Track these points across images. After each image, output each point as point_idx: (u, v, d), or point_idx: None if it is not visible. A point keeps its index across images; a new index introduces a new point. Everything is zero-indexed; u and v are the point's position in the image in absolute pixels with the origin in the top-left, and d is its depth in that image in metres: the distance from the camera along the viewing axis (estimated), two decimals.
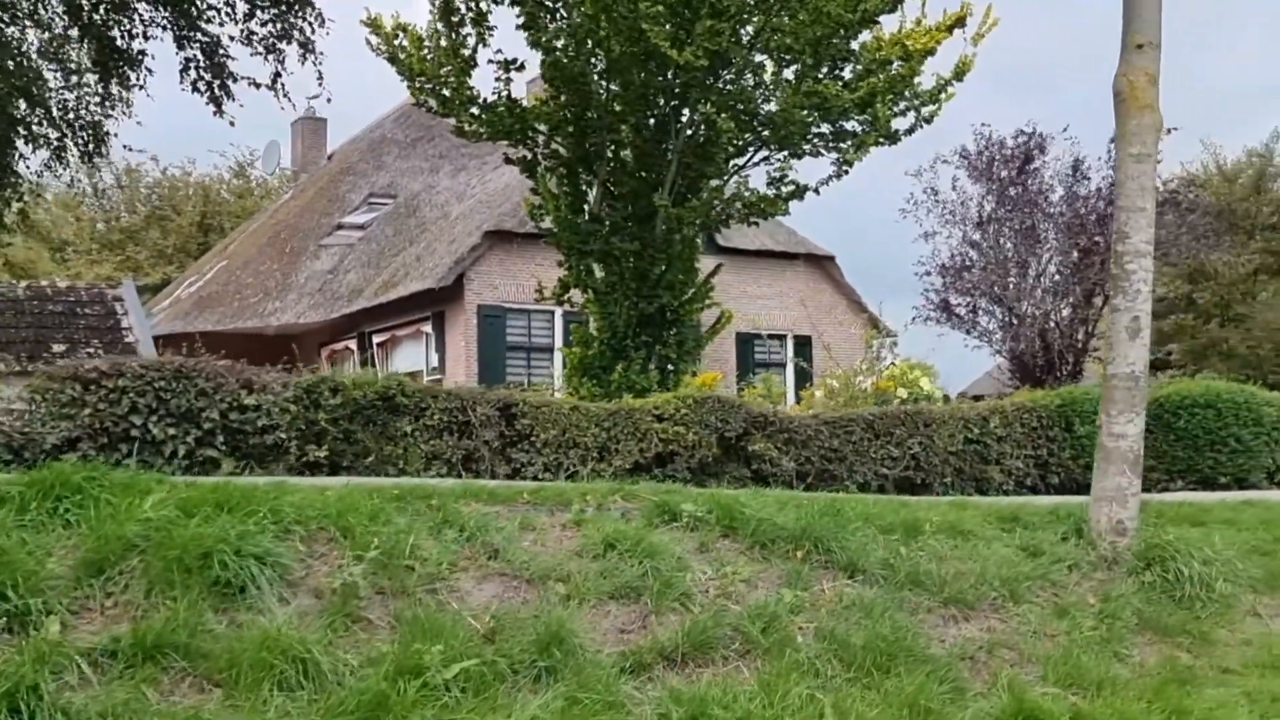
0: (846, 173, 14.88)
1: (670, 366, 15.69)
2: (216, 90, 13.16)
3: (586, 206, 15.56)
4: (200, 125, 61.11)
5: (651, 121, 14.99)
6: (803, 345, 26.42)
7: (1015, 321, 25.46)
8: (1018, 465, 13.33)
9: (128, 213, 33.10)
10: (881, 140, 15.27)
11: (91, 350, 17.02)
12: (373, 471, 9.83)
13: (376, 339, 25.41)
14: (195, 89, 13.01)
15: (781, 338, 26.75)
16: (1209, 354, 27.76)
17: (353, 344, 26.04)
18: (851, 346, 27.03)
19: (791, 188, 15.08)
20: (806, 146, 15.35)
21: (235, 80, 13.31)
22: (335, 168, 29.66)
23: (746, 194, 15.14)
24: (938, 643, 6.52)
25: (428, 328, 24.32)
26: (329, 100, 19.31)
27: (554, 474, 10.61)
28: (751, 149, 15.46)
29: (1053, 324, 25.69)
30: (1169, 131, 25.40)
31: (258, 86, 13.62)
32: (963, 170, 25.79)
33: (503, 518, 6.70)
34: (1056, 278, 25.61)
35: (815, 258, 27.08)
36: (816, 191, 15.13)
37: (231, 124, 13.62)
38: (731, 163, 15.46)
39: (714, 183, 15.37)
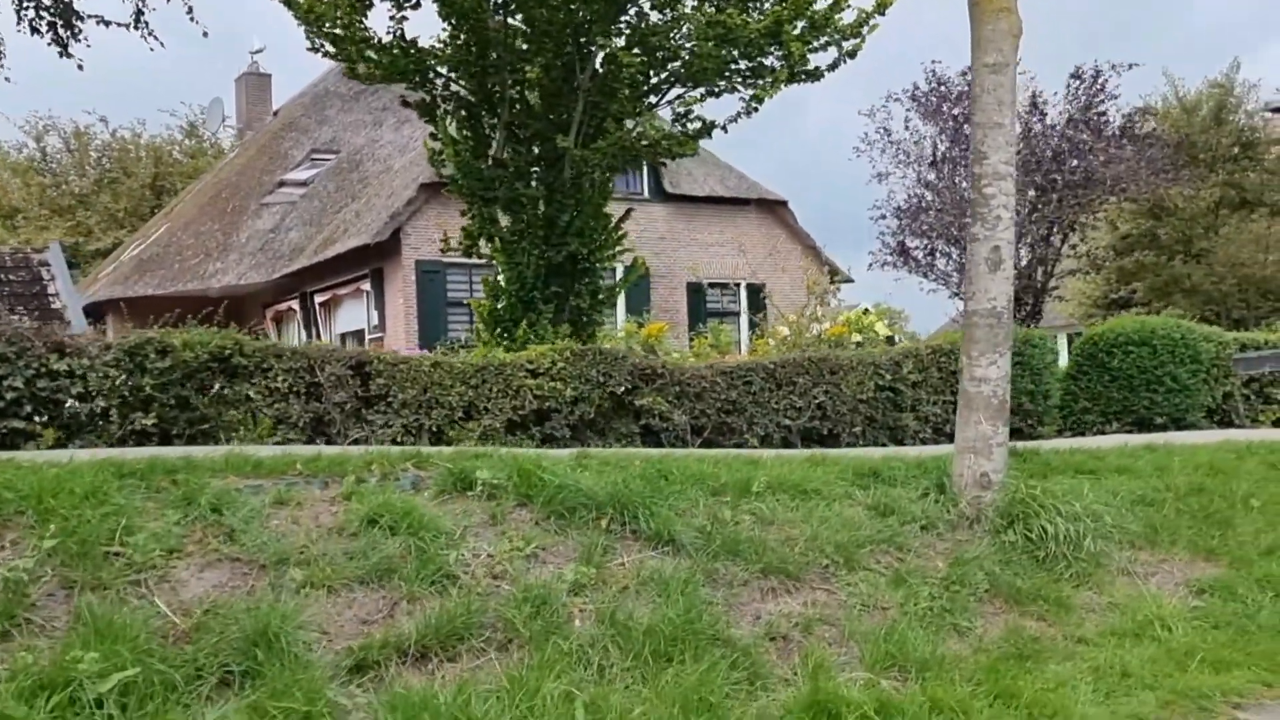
0: (756, 110, 13.89)
1: (584, 318, 14.79)
2: (60, 30, 12.12)
3: (490, 151, 14.59)
4: (151, 85, 59.96)
5: (559, 61, 14.01)
6: (757, 293, 25.55)
7: None
8: (935, 411, 12.47)
9: (77, 176, 32.08)
10: (801, 76, 14.28)
11: (17, 318, 16.15)
12: (211, 440, 8.98)
13: (318, 299, 24.52)
14: (35, 30, 11.99)
15: (735, 286, 25.84)
16: (1172, 291, 26.79)
17: (295, 304, 25.17)
18: (807, 291, 26.14)
19: (698, 125, 14.09)
20: (722, 83, 14.36)
21: (82, 19, 12.26)
22: (278, 124, 28.62)
23: (652, 133, 14.14)
24: (748, 621, 5.67)
25: (367, 286, 23.42)
26: (205, 35, 18.20)
27: (415, 437, 9.75)
28: (665, 87, 14.49)
29: (1013, 265, 24.75)
30: (1130, 66, 24.37)
31: (106, 24, 12.57)
32: (914, 110, 24.73)
33: (263, 492, 5.84)
34: (1014, 217, 24.62)
35: (768, 203, 26.11)
36: (724, 129, 14.15)
37: (80, 68, 12.51)
38: (644, 102, 14.49)
39: (628, 123, 14.40)
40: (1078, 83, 23.30)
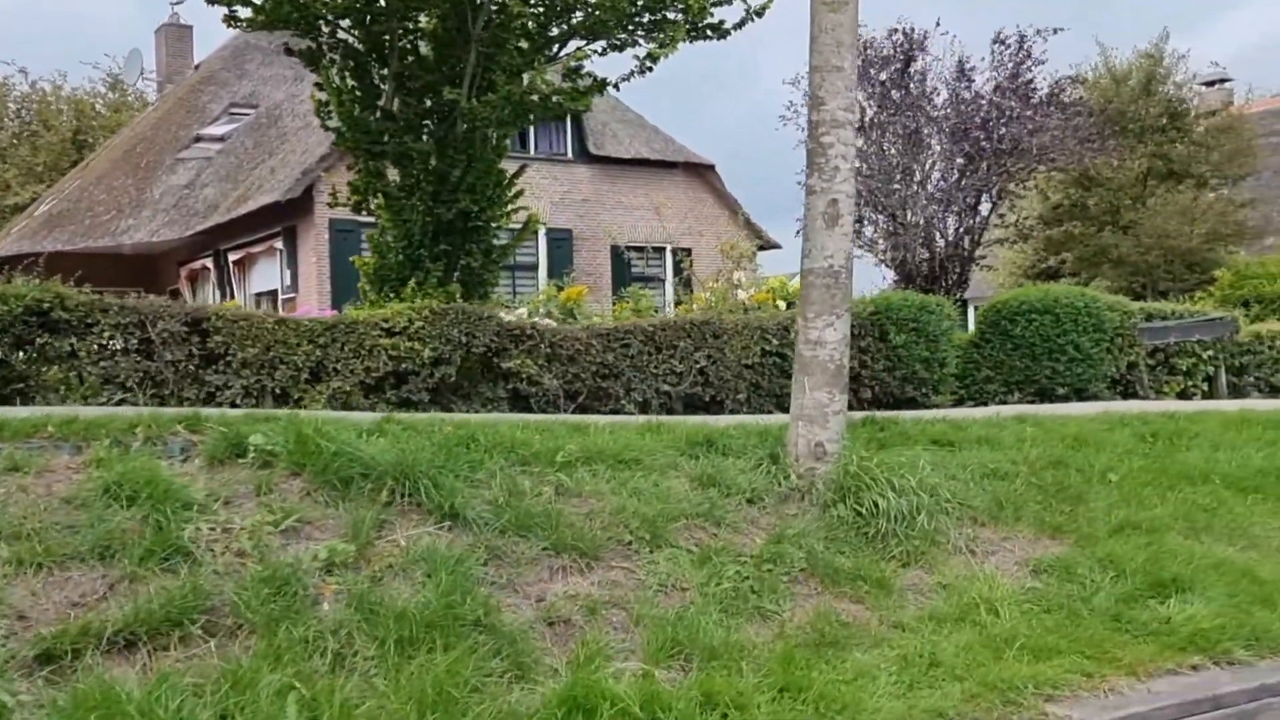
0: (650, 68, 13.23)
1: (477, 278, 14.14)
2: None
3: (380, 103, 13.88)
4: (74, 36, 58.27)
5: (452, 9, 13.30)
6: (684, 258, 24.96)
7: (900, 230, 24.01)
8: None
9: None
10: (706, 33, 13.66)
11: None
12: (28, 401, 8.32)
13: (232, 257, 23.69)
14: None
15: (659, 250, 25.25)
16: (1100, 261, 26.42)
17: (210, 263, 24.33)
18: (734, 258, 25.59)
19: (589, 81, 13.44)
20: (623, 36, 13.73)
21: None
22: (197, 78, 27.61)
23: (543, 87, 13.45)
24: (530, 604, 5.12)
25: (280, 244, 22.63)
26: None
27: (257, 399, 9.11)
28: (563, 39, 13.82)
29: (938, 232, 24.29)
30: (1055, 31, 23.85)
31: None
32: None
33: None
34: (942, 184, 24.15)
35: (695, 167, 25.47)
36: (616, 86, 13.50)
37: None
38: (542, 55, 13.82)
39: (525, 76, 13.72)
40: (1003, 48, 22.79)
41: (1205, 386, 14.95)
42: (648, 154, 24.76)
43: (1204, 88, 32.83)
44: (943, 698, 4.75)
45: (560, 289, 20.78)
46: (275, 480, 5.46)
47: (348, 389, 9.43)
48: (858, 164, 24.45)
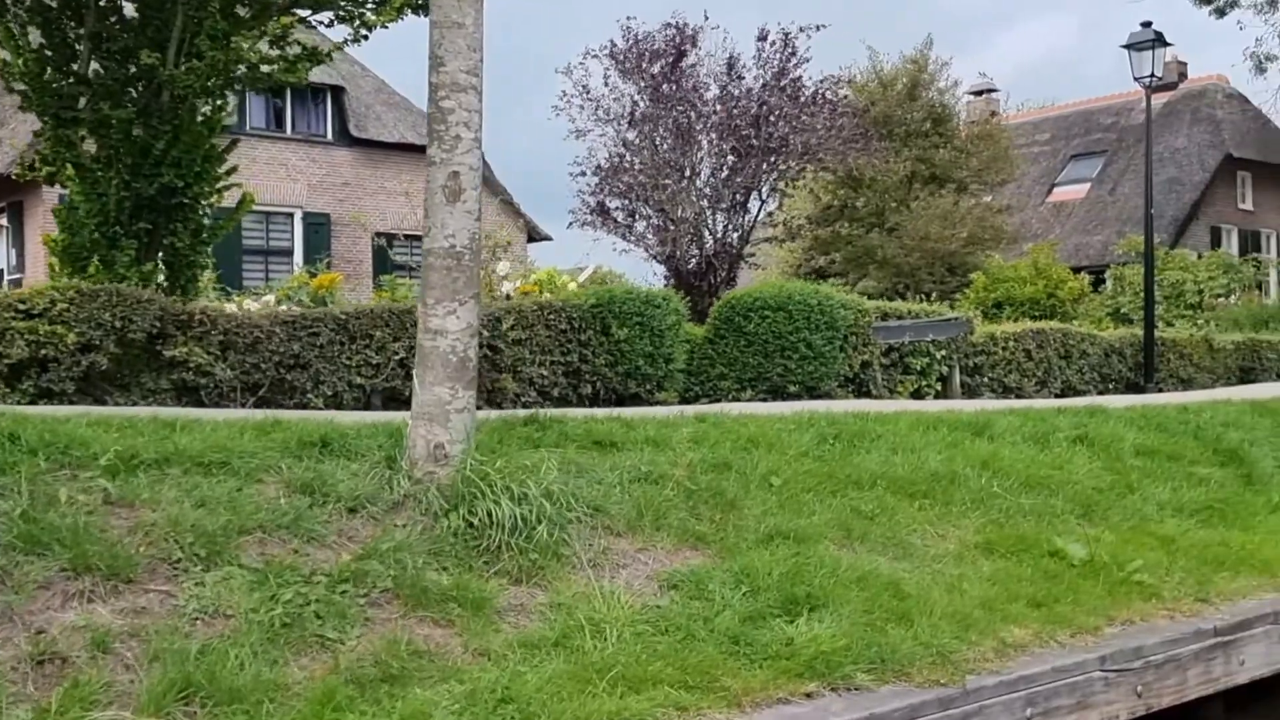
0: (366, 37, 12.33)
1: (183, 259, 12.93)
2: None
3: (75, 66, 12.53)
4: None
5: None
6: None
7: (671, 225, 23.61)
8: (541, 374, 11.26)
9: None
10: (418, 7, 12.78)
11: None
12: None
13: None
14: None
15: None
16: (866, 262, 26.68)
17: None
18: (489, 248, 24.77)
19: (297, 50, 12.43)
20: (349, 6, 12.78)
21: None
22: None
23: (251, 56, 12.37)
24: (23, 636, 4.20)
25: (4, 221, 20.75)
26: None
27: None
28: (288, 7, 12.76)
29: (707, 229, 24.02)
30: (818, 28, 23.78)
31: None
32: (614, 68, 23.57)
33: None
34: (712, 181, 23.89)
35: None
36: (329, 57, 12.55)
37: None
38: (260, 22, 12.71)
39: (243, 45, 12.59)
40: (767, 45, 22.64)
41: (939, 386, 14.90)
42: (413, 138, 23.74)
43: (972, 96, 33.74)
44: None
45: (314, 275, 19.64)
46: None
47: None
48: (630, 157, 24.13)
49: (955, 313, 15.70)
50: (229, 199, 13.39)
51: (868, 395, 14.07)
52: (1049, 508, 7.25)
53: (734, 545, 5.95)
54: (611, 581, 5.53)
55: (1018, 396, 15.36)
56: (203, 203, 13.06)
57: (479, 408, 10.61)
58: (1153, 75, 17.56)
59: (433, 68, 5.55)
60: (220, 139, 13.15)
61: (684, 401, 12.66)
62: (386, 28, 12.29)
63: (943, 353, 14.79)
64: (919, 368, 14.63)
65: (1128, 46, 17.77)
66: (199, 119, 12.71)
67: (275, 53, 12.43)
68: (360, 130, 23.14)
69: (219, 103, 13.02)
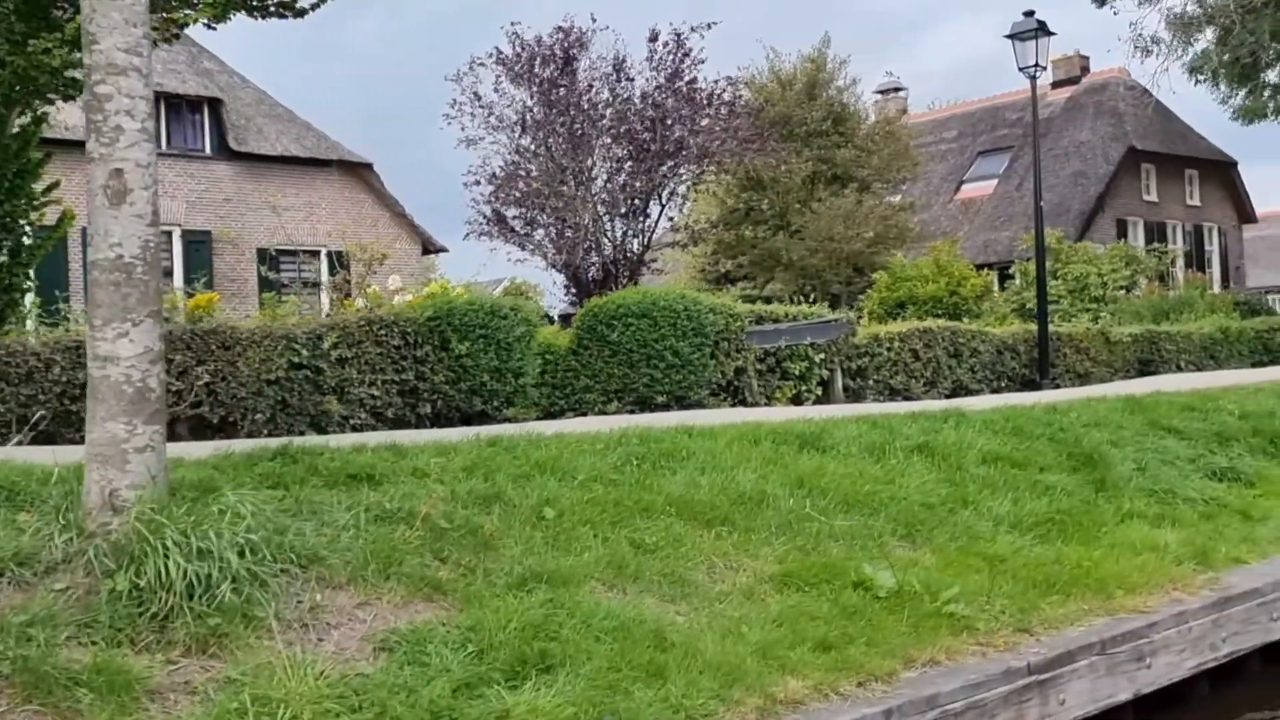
0: (177, 36, 11.33)
1: (4, 281, 11.87)
2: None
3: None
4: None
5: None
6: (338, 262, 22.97)
7: (569, 233, 22.77)
8: (371, 394, 10.34)
9: None
10: (281, 9, 11.82)
11: None
12: None
13: None
14: None
15: (315, 254, 23.22)
16: (773, 265, 25.98)
17: None
18: (396, 261, 23.84)
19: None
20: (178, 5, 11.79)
21: None
22: None
23: (51, 61, 11.31)
24: None
25: None
26: None
27: None
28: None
29: (606, 236, 23.21)
30: (709, 26, 22.91)
31: None
32: (504, 74, 22.69)
33: None
34: (609, 186, 23.07)
35: (351, 165, 23.56)
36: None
37: None
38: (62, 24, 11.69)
39: (45, 45, 11.56)
40: (660, 46, 21.88)
41: (820, 391, 14.15)
42: (298, 151, 22.71)
43: (881, 96, 33.23)
44: None
45: (191, 295, 18.57)
46: None
47: None
48: (525, 164, 23.23)
49: (836, 314, 14.96)
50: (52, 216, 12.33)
51: (743, 403, 13.29)
52: (868, 529, 6.44)
53: (478, 594, 5.08)
54: (316, 646, 4.64)
55: (905, 398, 14.65)
56: (21, 222, 12.03)
57: (303, 433, 9.71)
58: (1036, 65, 16.94)
59: (86, 46, 4.65)
60: (38, 152, 12.12)
61: (548, 416, 11.82)
62: (213, 28, 11.29)
63: (821, 356, 14.04)
64: (798, 372, 13.87)
65: (1011, 37, 17.14)
66: (12, 131, 11.69)
67: (80, 56, 11.40)
68: (240, 144, 22.05)
69: (37, 114, 11.99)
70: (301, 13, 12.06)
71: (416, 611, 4.99)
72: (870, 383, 14.81)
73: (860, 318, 22.39)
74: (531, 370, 11.57)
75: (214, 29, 11.71)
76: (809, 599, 5.55)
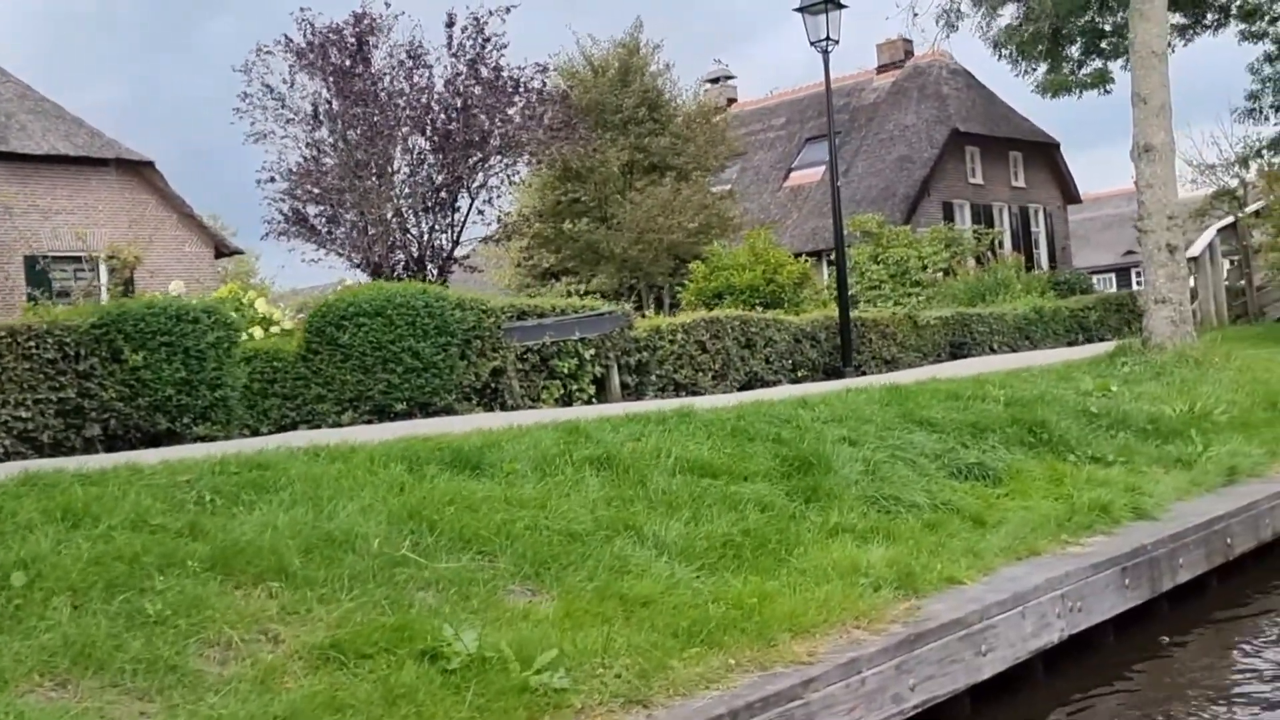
0: None
1: None
2: None
3: None
4: None
5: None
6: (120, 268, 20.93)
7: (372, 229, 21.06)
8: (20, 416, 8.64)
9: None
10: None
11: None
12: None
13: None
14: None
15: (91, 260, 21.09)
16: (594, 259, 24.63)
17: None
18: (186, 265, 21.87)
19: None
20: None
21: None
22: None
23: None
24: None
25: None
26: None
27: None
28: None
29: (411, 232, 21.58)
30: (509, 10, 21.40)
31: None
32: (297, 64, 20.86)
33: None
34: (412, 179, 21.44)
35: (131, 164, 21.48)
36: None
37: None
38: None
39: None
40: (459, 32, 20.34)
41: (594, 389, 12.81)
42: (68, 149, 20.56)
43: (711, 84, 32.14)
44: None
45: None
46: None
47: None
48: (321, 157, 21.45)
49: (609, 306, 13.61)
50: None
51: (502, 406, 11.87)
52: (484, 572, 5.04)
53: None
54: None
55: (691, 393, 13.39)
56: None
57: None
58: (828, 39, 15.81)
59: None
60: None
61: (279, 429, 10.24)
62: None
63: (591, 352, 12.69)
64: (566, 370, 12.49)
65: (801, 10, 16.00)
66: None
67: None
68: (1, 143, 19.86)
69: None
70: None
71: None
72: (652, 379, 13.51)
73: (679, 309, 21.22)
74: (233, 381, 9.97)
75: None
76: (352, 679, 4.12)
